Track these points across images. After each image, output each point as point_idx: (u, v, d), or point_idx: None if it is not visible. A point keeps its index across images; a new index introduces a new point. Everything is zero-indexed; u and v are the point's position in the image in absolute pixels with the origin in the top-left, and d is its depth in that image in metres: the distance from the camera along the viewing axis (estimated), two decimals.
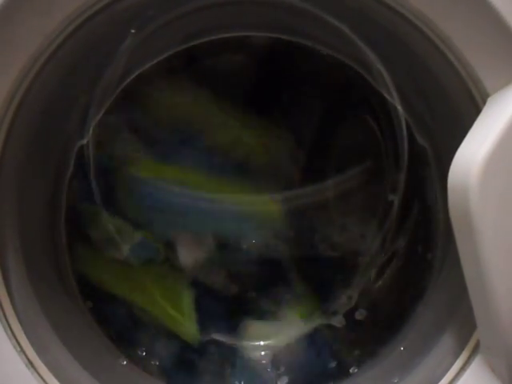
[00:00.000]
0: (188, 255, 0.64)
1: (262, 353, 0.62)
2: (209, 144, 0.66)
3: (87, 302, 0.55)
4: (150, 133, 0.65)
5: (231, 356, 0.61)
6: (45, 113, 0.45)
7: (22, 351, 0.41)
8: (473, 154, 0.36)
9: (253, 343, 0.62)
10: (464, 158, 0.37)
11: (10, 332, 0.41)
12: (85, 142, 0.55)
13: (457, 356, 0.44)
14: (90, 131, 0.54)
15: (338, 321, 0.61)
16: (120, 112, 0.61)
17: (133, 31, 0.52)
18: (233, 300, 0.63)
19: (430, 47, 0.40)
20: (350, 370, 0.57)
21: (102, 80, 0.53)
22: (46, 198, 0.53)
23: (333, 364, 0.59)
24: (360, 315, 0.61)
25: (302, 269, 0.64)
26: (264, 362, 0.61)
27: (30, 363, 0.41)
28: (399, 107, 0.54)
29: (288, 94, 0.64)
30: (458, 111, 0.43)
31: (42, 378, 0.41)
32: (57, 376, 0.42)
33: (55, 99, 0.46)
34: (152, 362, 0.56)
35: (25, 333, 0.42)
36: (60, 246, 0.55)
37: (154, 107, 0.64)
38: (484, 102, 0.39)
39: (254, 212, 0.65)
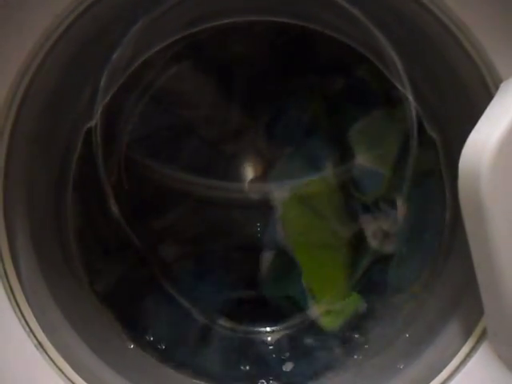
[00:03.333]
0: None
1: (268, 338, 0.62)
2: (211, 133, 0.66)
3: (94, 285, 0.55)
4: (154, 118, 0.65)
5: (237, 341, 0.61)
6: (54, 93, 0.45)
7: (32, 332, 0.42)
8: (485, 138, 0.36)
9: (258, 329, 0.62)
10: (476, 142, 0.36)
11: (19, 313, 0.42)
12: (93, 124, 0.54)
13: (463, 343, 0.44)
14: (98, 114, 0.54)
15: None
16: (127, 96, 0.61)
17: (140, 15, 0.51)
18: (242, 286, 0.64)
19: (444, 32, 0.40)
20: (355, 357, 0.57)
21: (110, 63, 0.53)
22: (54, 180, 0.53)
23: (337, 350, 0.59)
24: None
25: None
26: (270, 347, 0.61)
27: (40, 344, 0.42)
28: (410, 97, 0.54)
29: (295, 81, 0.64)
30: (470, 97, 0.42)
31: (51, 359, 0.42)
32: (65, 357, 0.43)
33: (65, 80, 0.46)
34: (159, 347, 0.57)
35: (34, 315, 0.42)
36: (66, 231, 0.55)
37: (161, 93, 0.64)
38: (497, 88, 0.39)
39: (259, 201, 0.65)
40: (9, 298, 0.41)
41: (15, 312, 0.41)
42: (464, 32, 0.39)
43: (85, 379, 0.43)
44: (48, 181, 0.52)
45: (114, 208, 0.61)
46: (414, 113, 0.55)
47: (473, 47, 0.39)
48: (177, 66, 0.63)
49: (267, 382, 0.56)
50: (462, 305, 0.47)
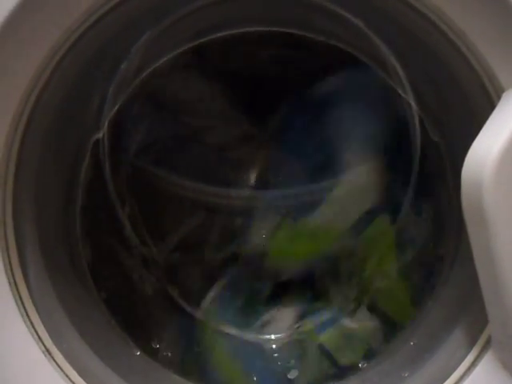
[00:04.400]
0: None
1: (273, 346, 0.62)
2: (218, 140, 0.66)
3: (101, 293, 0.56)
4: (162, 128, 0.66)
5: (242, 348, 0.62)
6: (63, 105, 0.46)
7: (40, 339, 0.42)
8: (487, 147, 0.36)
9: (264, 336, 0.63)
10: (478, 151, 0.37)
11: (27, 321, 0.42)
12: (100, 135, 0.55)
13: (467, 351, 0.44)
14: (106, 125, 0.55)
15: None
16: (134, 107, 0.62)
17: (148, 27, 0.52)
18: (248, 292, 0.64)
19: (445, 42, 0.40)
20: (360, 365, 0.57)
21: (117, 75, 0.54)
22: (63, 190, 0.54)
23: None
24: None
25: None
26: (275, 355, 0.62)
27: (48, 351, 0.42)
28: (413, 103, 0.54)
29: (299, 90, 0.64)
30: (473, 107, 0.43)
31: (58, 365, 0.42)
32: (72, 364, 0.43)
33: (73, 92, 0.46)
34: (165, 354, 0.57)
35: (42, 322, 0.43)
36: (75, 238, 0.56)
37: (167, 102, 0.65)
38: (499, 98, 0.39)
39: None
40: (17, 305, 0.42)
41: (23, 319, 0.42)
42: (464, 41, 0.39)
43: None
44: (57, 190, 0.52)
45: (122, 216, 0.61)
46: (416, 119, 0.55)
47: (474, 56, 0.39)
48: (183, 75, 0.64)
49: None
50: (467, 313, 0.47)
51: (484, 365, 0.42)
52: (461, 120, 0.48)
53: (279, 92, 0.65)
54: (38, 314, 0.43)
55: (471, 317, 0.45)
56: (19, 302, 0.42)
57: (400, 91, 0.54)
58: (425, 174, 0.60)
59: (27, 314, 0.42)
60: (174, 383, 0.54)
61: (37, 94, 0.41)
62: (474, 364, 0.43)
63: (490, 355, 0.42)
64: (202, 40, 0.60)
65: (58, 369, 0.42)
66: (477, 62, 0.39)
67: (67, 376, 0.43)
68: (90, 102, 0.54)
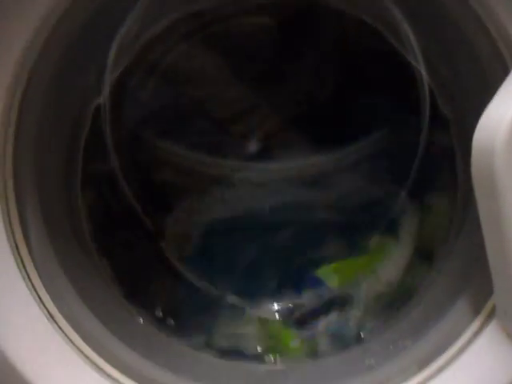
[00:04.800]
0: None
1: (276, 316, 0.62)
2: (220, 111, 0.65)
3: (103, 260, 0.56)
4: (164, 97, 0.65)
5: (245, 316, 0.62)
6: (61, 69, 0.45)
7: (42, 303, 0.42)
8: (500, 114, 0.35)
9: (265, 306, 0.63)
10: (491, 117, 0.36)
11: (29, 284, 0.42)
12: (101, 101, 0.54)
13: (471, 320, 0.43)
14: (107, 90, 0.54)
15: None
16: (136, 74, 0.61)
17: None
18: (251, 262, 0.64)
19: (460, 3, 0.39)
20: (362, 335, 0.57)
21: (117, 38, 0.53)
22: (64, 156, 0.53)
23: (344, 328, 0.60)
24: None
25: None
26: (277, 325, 0.62)
27: (50, 315, 0.42)
28: (424, 72, 0.53)
29: (308, 57, 0.63)
30: (486, 72, 0.41)
31: (61, 329, 0.42)
32: (75, 329, 0.43)
33: (72, 56, 0.45)
34: (167, 323, 0.57)
35: (44, 286, 0.43)
36: (76, 204, 0.55)
37: (169, 71, 0.64)
38: None
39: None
40: (19, 268, 0.42)
41: (25, 282, 0.42)
42: (481, 3, 0.38)
43: (94, 350, 0.43)
44: (58, 156, 0.52)
45: (123, 183, 0.61)
46: (426, 88, 0.54)
47: (489, 19, 0.38)
48: (185, 43, 0.63)
49: (274, 357, 0.57)
50: (471, 283, 0.46)
51: (488, 334, 0.42)
52: (473, 88, 0.47)
53: (284, 61, 0.64)
54: (40, 278, 0.43)
55: (476, 287, 0.45)
56: (21, 266, 0.42)
57: (411, 60, 0.53)
58: (433, 147, 0.59)
59: (29, 278, 0.42)
60: (176, 349, 0.54)
61: (35, 57, 0.40)
62: (477, 333, 0.43)
63: (494, 324, 0.42)
64: (202, 6, 0.59)
65: (62, 333, 0.42)
66: (492, 23, 0.38)
67: (70, 340, 0.43)
68: (90, 67, 0.53)
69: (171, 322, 0.58)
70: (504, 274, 0.39)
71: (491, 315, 0.43)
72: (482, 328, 0.43)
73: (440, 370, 0.43)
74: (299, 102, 0.67)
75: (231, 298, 0.62)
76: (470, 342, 0.43)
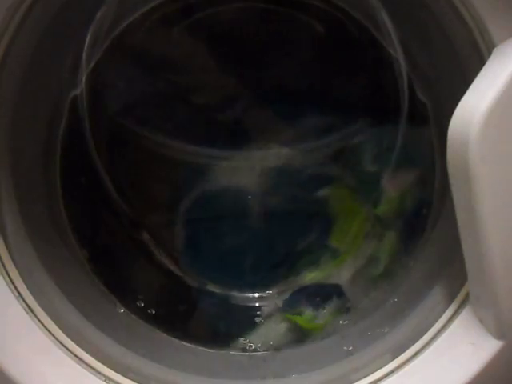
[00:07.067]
0: None
1: (256, 304, 0.63)
2: (203, 99, 0.65)
3: (83, 250, 0.55)
4: (144, 85, 0.64)
5: (225, 306, 0.62)
6: (36, 54, 0.43)
7: (20, 296, 0.42)
8: (475, 103, 0.35)
9: (247, 295, 0.63)
10: (466, 107, 0.36)
11: (7, 278, 0.42)
12: (78, 91, 0.53)
13: (446, 307, 0.45)
14: (83, 80, 0.53)
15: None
16: (113, 62, 0.60)
17: None
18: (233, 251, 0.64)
19: None
20: (340, 322, 0.58)
21: (93, 25, 0.51)
22: (41, 147, 0.52)
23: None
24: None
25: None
26: (258, 312, 0.63)
27: (29, 308, 0.42)
28: (402, 61, 0.53)
29: (286, 46, 0.63)
30: (463, 62, 0.42)
31: (41, 322, 0.42)
32: (56, 321, 0.43)
33: (46, 41, 0.44)
34: (149, 311, 0.58)
35: (22, 279, 0.42)
36: (55, 194, 0.54)
37: (147, 57, 0.63)
38: (489, 53, 0.38)
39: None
40: None
41: (3, 276, 0.41)
42: None
43: (75, 341, 0.43)
44: (35, 147, 0.51)
45: (103, 173, 0.60)
46: (405, 77, 0.54)
47: (466, 10, 0.38)
48: (164, 29, 0.62)
49: (256, 344, 0.57)
50: (447, 271, 0.48)
51: (461, 320, 0.43)
52: (450, 78, 0.47)
53: (268, 50, 0.64)
54: (18, 270, 0.42)
55: (450, 276, 0.47)
56: None
57: (389, 49, 0.53)
58: (411, 134, 0.59)
59: (6, 271, 0.42)
60: (157, 339, 0.55)
61: (7, 40, 0.39)
62: (451, 319, 0.44)
63: (467, 311, 0.43)
64: None
65: (41, 325, 0.42)
66: (469, 15, 0.38)
67: (50, 333, 0.43)
68: (65, 54, 0.51)
69: (152, 311, 0.58)
70: (477, 262, 0.40)
71: (465, 302, 0.44)
72: (456, 314, 0.44)
73: (416, 354, 0.44)
74: (282, 88, 0.66)
75: (212, 287, 0.62)
76: (444, 327, 0.44)
